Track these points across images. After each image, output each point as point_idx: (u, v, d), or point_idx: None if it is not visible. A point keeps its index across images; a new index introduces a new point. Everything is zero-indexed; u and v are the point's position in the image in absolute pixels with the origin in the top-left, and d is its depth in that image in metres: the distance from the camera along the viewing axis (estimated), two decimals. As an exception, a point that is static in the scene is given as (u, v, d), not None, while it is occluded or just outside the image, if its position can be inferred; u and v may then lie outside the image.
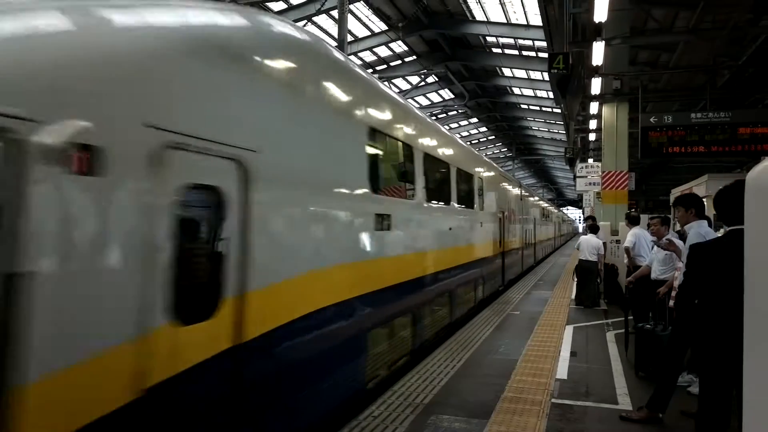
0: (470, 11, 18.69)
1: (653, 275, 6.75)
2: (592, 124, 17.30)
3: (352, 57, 16.44)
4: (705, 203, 5.25)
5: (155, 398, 2.55)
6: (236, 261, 3.13)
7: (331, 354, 4.45)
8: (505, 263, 13.36)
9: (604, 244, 11.77)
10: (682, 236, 6.04)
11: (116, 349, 2.38)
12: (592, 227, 11.91)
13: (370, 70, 19.73)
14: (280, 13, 15.67)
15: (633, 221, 9.50)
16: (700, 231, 4.83)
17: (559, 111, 23.74)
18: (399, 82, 23.63)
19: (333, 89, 4.71)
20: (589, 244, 11.39)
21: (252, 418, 3.33)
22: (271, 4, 16.01)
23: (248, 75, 3.43)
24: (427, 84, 25.16)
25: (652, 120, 12.29)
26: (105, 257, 2.39)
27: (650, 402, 4.76)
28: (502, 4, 17.83)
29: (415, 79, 22.67)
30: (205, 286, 3.01)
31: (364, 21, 18.79)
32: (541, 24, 13.85)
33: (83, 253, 2.28)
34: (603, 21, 9.12)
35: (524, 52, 21.73)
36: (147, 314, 2.52)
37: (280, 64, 3.87)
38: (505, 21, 18.91)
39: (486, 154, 36.98)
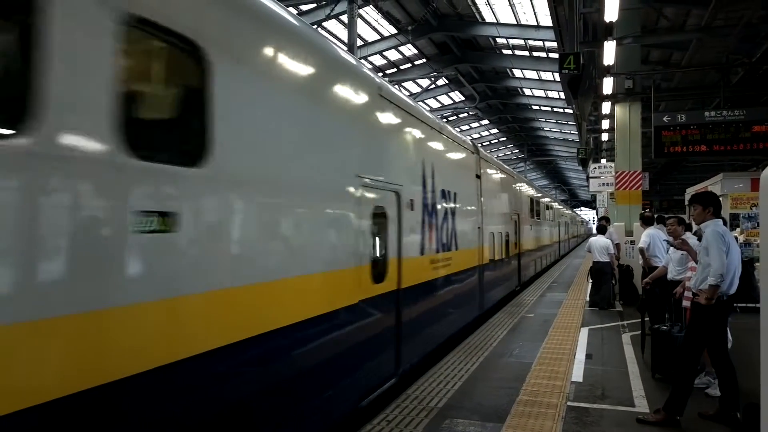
0: (479, 13, 18.67)
1: (670, 276, 6.70)
2: (605, 124, 17.16)
3: (362, 61, 16.48)
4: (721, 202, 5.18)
5: None
6: None
7: None
8: (402, 317, 5.78)
9: (617, 245, 11.77)
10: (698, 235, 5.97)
11: None
12: (599, 228, 12.05)
13: (381, 74, 19.75)
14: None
15: (647, 221, 9.45)
16: (717, 230, 4.76)
17: (570, 111, 23.57)
18: (409, 85, 23.64)
19: None
20: (598, 245, 11.50)
21: None
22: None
23: None
24: (437, 87, 25.12)
25: (665, 119, 12.19)
26: None
27: (667, 404, 4.71)
28: (512, 6, 17.78)
29: (425, 82, 22.65)
30: None
31: (373, 25, 18.85)
32: (551, 24, 13.80)
33: None
34: (614, 20, 9.06)
35: (535, 53, 21.65)
36: None
37: None
38: (515, 22, 18.87)
39: (497, 156, 36.26)
